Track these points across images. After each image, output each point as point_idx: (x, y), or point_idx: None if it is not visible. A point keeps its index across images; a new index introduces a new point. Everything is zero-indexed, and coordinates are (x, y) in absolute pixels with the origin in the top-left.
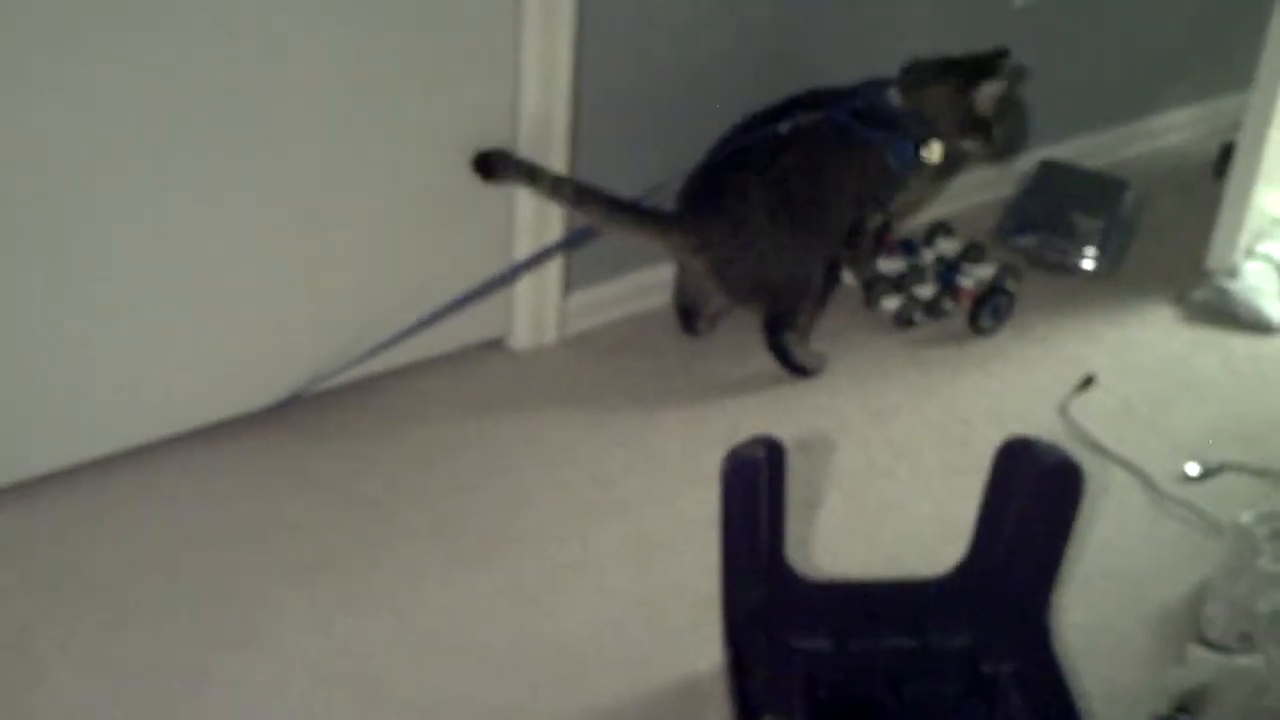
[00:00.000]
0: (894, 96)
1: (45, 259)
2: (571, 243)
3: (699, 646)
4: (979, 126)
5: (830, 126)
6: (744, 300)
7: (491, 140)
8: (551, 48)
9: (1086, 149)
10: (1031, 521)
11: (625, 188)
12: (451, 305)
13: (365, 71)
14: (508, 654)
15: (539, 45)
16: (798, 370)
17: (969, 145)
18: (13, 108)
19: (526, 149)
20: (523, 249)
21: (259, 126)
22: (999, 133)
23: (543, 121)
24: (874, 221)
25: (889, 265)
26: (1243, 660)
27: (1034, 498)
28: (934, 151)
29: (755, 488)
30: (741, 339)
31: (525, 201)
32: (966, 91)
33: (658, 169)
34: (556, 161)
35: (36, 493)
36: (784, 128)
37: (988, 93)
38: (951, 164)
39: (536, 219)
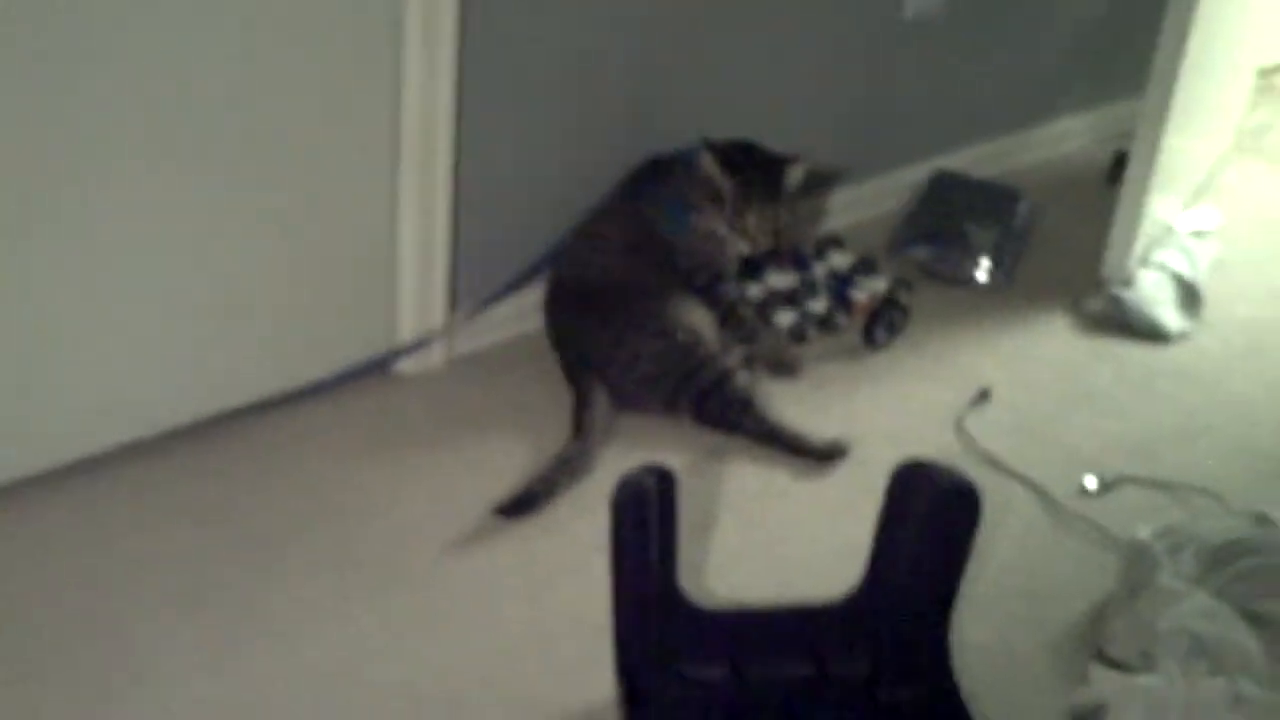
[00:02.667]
0: (706, 161)
1: None
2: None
3: (594, 678)
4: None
5: (620, 194)
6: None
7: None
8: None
9: (978, 158)
10: (928, 545)
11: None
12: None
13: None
14: (399, 690)
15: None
16: (812, 454)
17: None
18: None
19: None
20: (408, 270)
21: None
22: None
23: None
24: (728, 293)
25: (780, 280)
26: (1143, 679)
27: (930, 521)
28: (698, 223)
29: (646, 516)
30: None
31: (408, 222)
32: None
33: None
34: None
35: None
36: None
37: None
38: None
39: (419, 239)
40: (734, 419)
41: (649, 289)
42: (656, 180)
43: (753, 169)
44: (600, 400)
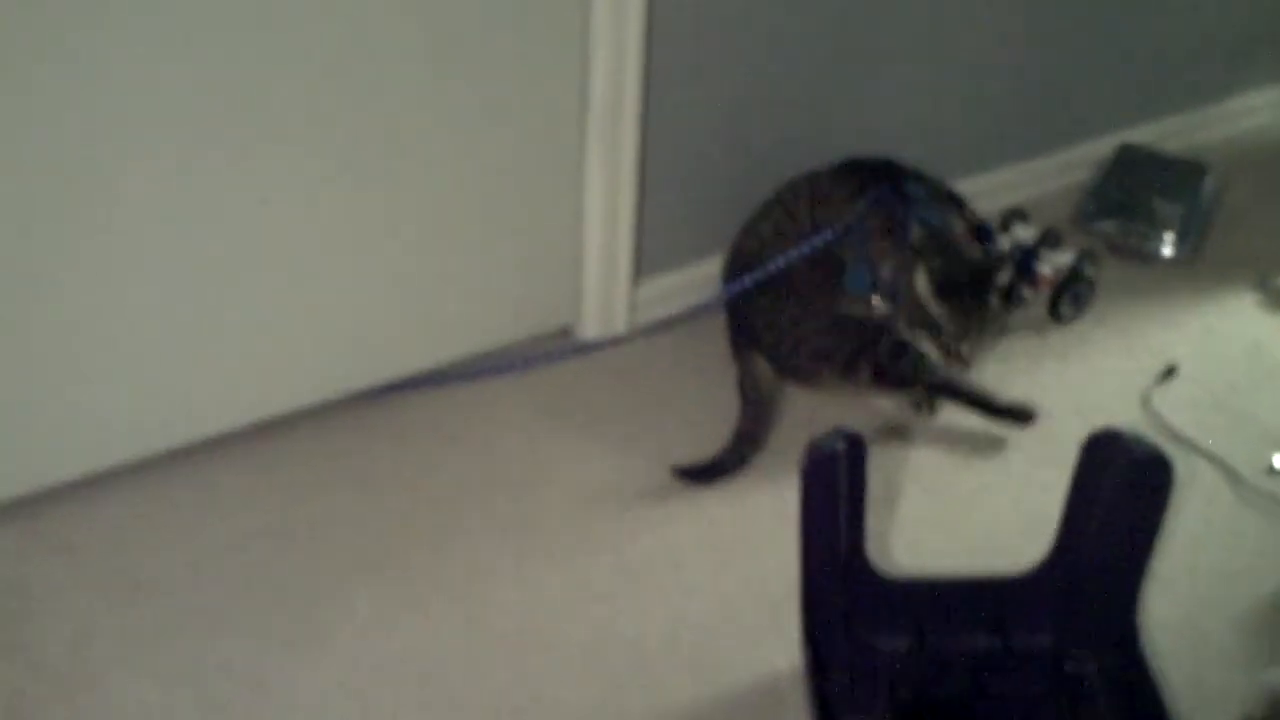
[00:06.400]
0: (920, 282)
1: (100, 248)
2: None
3: (778, 646)
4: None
5: (829, 180)
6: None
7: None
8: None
9: (1165, 132)
10: (1118, 516)
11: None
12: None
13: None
14: (581, 654)
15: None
16: (999, 412)
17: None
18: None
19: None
20: (593, 238)
21: (334, 126)
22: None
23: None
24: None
25: None
26: None
27: (1121, 492)
28: (876, 302)
29: (835, 482)
30: None
31: (594, 190)
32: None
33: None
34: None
35: (95, 491)
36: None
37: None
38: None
39: (605, 208)
40: (917, 375)
41: (823, 277)
42: (869, 212)
43: (964, 289)
44: (764, 372)
